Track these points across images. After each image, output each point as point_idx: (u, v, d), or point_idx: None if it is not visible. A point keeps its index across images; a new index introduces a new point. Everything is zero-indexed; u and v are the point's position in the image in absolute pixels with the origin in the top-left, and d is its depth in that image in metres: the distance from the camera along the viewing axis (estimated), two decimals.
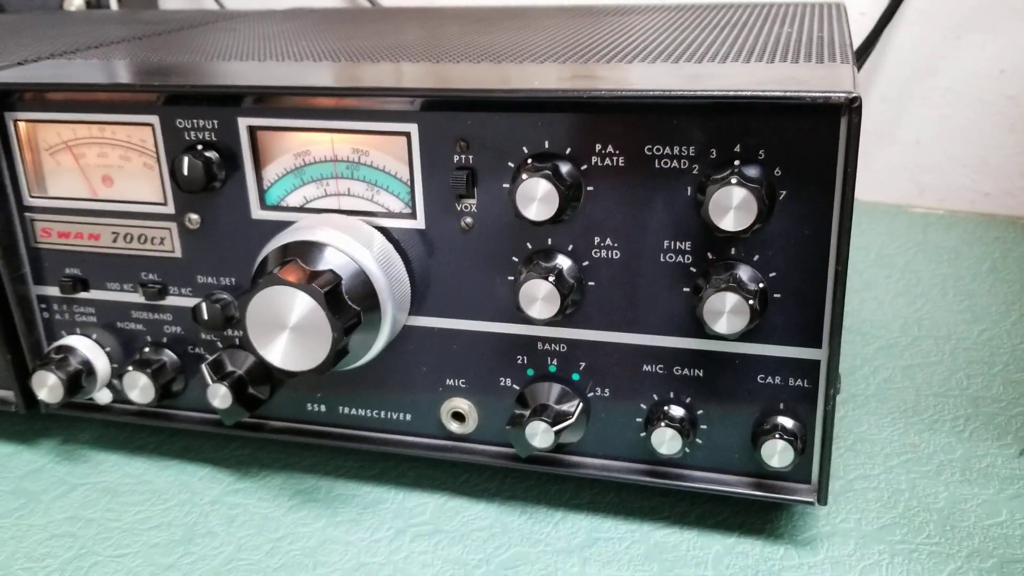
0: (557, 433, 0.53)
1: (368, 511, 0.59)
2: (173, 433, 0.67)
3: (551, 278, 0.50)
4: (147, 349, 0.61)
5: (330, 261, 0.52)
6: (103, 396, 0.63)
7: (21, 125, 0.58)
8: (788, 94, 0.46)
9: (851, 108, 0.45)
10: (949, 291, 0.86)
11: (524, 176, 0.49)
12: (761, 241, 0.49)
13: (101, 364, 0.62)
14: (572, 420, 0.53)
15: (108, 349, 0.62)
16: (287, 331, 0.50)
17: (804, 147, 0.47)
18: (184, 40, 0.76)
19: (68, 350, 0.61)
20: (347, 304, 0.50)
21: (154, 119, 0.56)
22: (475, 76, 0.55)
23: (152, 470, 0.64)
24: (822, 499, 0.52)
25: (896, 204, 1.11)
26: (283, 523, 0.59)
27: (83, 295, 0.61)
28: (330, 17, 0.91)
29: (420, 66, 0.58)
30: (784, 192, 0.48)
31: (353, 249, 0.52)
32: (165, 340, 0.61)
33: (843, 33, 0.63)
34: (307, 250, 0.52)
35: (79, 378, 0.61)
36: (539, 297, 0.50)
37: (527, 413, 0.54)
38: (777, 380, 0.51)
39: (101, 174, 0.59)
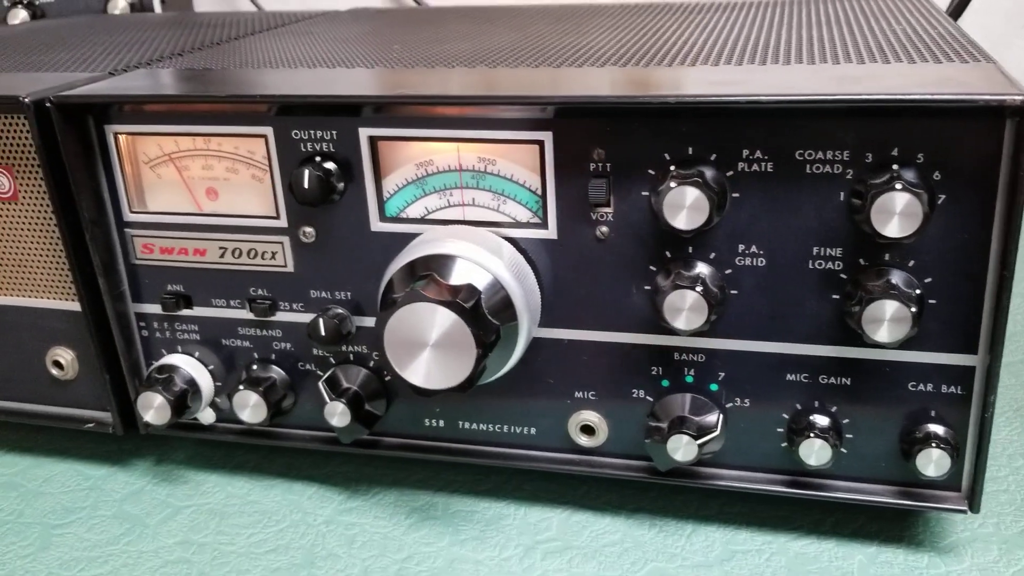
0: (701, 446, 0.51)
1: (491, 528, 0.58)
2: (271, 451, 0.66)
3: (698, 288, 0.48)
4: (255, 367, 0.59)
5: (467, 275, 0.50)
6: (207, 416, 0.61)
7: (122, 138, 0.56)
8: (955, 97, 0.44)
9: (1022, 110, 0.43)
10: None
11: (672, 184, 0.47)
12: (916, 246, 0.48)
13: (205, 383, 0.60)
14: (717, 432, 0.52)
15: (211, 367, 0.60)
16: (428, 349, 0.49)
17: (965, 150, 0.45)
18: (266, 45, 0.73)
19: (172, 369, 0.59)
20: (488, 319, 0.49)
21: (267, 130, 0.54)
22: (609, 82, 0.53)
23: (257, 490, 0.62)
24: (975, 507, 0.51)
25: None
26: (405, 543, 0.57)
27: (186, 312, 0.59)
28: (398, 18, 0.89)
29: (541, 71, 0.56)
30: (943, 196, 0.46)
31: (488, 261, 0.50)
32: (273, 357, 0.59)
33: (958, 28, 0.62)
34: (442, 264, 0.50)
35: (185, 398, 0.59)
36: (685, 308, 0.49)
37: (665, 426, 0.53)
38: (929, 387, 0.50)
39: (205, 187, 0.57)
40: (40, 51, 0.75)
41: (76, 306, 0.60)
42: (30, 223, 0.59)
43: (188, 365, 0.60)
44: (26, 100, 0.54)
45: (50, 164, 0.56)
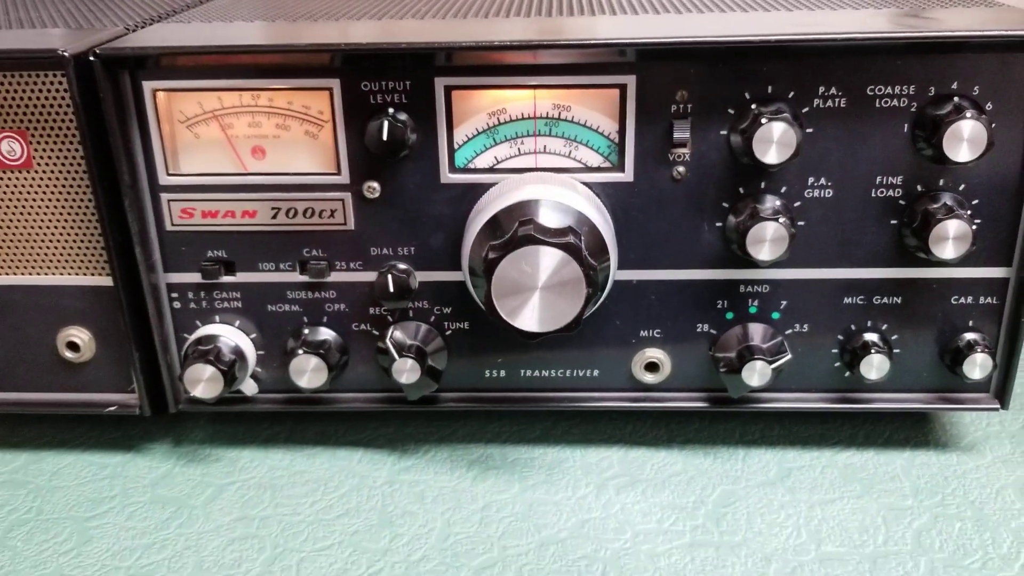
0: (775, 370, 0.55)
1: (556, 471, 0.59)
2: (299, 421, 0.64)
3: (781, 219, 0.52)
4: (306, 331, 0.57)
5: (563, 218, 0.51)
6: (249, 387, 0.59)
7: (160, 95, 0.53)
8: (1007, 34, 0.50)
9: None
10: None
11: (763, 120, 0.50)
12: (965, 172, 0.53)
13: (249, 352, 0.57)
14: (788, 355, 0.55)
15: (252, 336, 0.58)
16: (537, 292, 0.49)
17: (1013, 81, 0.51)
18: None
19: (214, 340, 0.56)
20: (588, 259, 0.50)
21: (334, 83, 0.52)
22: (688, 25, 0.55)
23: (299, 460, 0.60)
24: (1005, 404, 0.57)
25: None
26: (477, 493, 0.57)
27: (227, 279, 0.57)
28: None
29: (607, 18, 0.57)
30: (994, 124, 0.52)
31: (578, 204, 0.51)
32: (325, 319, 0.57)
33: None
34: (536, 209, 0.51)
35: (234, 368, 0.56)
36: (767, 239, 0.52)
37: (734, 356, 0.56)
38: (969, 300, 0.56)
39: (251, 145, 0.54)
40: (24, 7, 0.68)
41: (99, 280, 0.56)
42: (48, 192, 0.54)
43: (230, 334, 0.57)
44: (66, 54, 0.50)
45: (89, 126, 0.51)
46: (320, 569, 0.52)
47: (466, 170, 0.54)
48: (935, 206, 0.52)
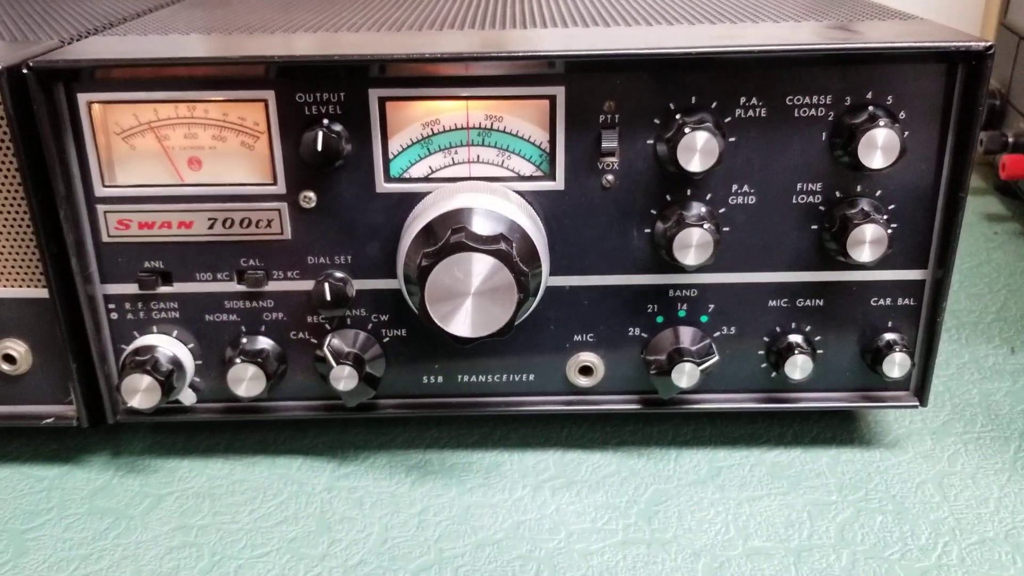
0: (703, 371, 0.57)
1: (493, 474, 0.60)
2: (240, 431, 0.64)
3: (705, 225, 0.53)
4: (244, 340, 0.58)
5: (494, 226, 0.52)
6: (187, 396, 0.59)
7: (96, 107, 0.53)
8: (922, 46, 0.52)
9: (986, 54, 0.51)
10: None
11: (686, 130, 0.52)
12: (881, 178, 0.55)
13: (187, 362, 0.58)
14: (716, 357, 0.57)
15: (190, 346, 0.58)
16: (469, 298, 0.50)
17: (925, 91, 0.53)
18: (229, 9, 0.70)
19: (151, 350, 0.57)
20: (519, 265, 0.51)
21: (269, 94, 0.53)
22: (615, 38, 0.56)
23: (239, 468, 0.61)
24: (924, 401, 0.60)
25: None
26: (415, 498, 0.58)
27: (164, 290, 0.57)
28: None
29: (540, 32, 0.59)
30: (907, 132, 0.54)
31: (510, 212, 0.53)
32: (263, 328, 0.58)
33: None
34: (468, 217, 0.52)
35: (171, 379, 0.56)
36: (693, 244, 0.53)
37: (664, 358, 0.57)
38: (887, 301, 0.58)
39: (187, 157, 0.55)
40: None
41: (35, 292, 0.56)
42: None
43: (168, 344, 0.57)
44: None
45: (23, 138, 0.52)
46: (258, 575, 0.53)
47: (401, 180, 0.55)
48: (852, 211, 0.54)
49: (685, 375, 0.57)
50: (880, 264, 0.56)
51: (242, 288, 0.57)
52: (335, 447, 0.62)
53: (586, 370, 0.59)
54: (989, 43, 0.51)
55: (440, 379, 0.60)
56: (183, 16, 0.69)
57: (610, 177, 0.55)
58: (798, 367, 0.58)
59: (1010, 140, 0.93)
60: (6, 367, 0.58)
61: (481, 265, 0.50)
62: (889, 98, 0.53)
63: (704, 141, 0.52)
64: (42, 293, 0.56)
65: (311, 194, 0.55)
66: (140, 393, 0.56)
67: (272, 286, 0.57)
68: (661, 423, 0.64)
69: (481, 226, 0.51)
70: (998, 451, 0.61)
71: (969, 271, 0.86)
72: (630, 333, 0.59)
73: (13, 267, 0.56)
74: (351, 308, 0.57)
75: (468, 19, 0.64)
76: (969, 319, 0.77)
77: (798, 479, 0.59)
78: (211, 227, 0.56)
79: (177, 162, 0.55)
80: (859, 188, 0.55)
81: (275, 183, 0.55)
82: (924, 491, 0.58)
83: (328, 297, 0.56)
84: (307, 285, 0.57)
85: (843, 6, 0.66)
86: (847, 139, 0.53)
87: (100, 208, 0.55)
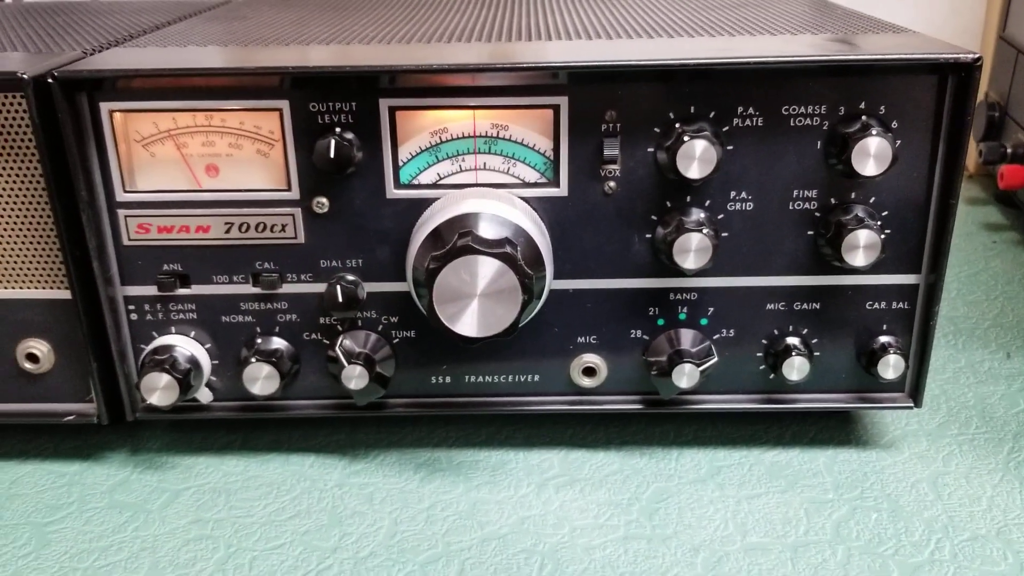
0: (703, 372, 0.58)
1: (499, 472, 0.62)
2: (255, 429, 0.66)
3: (704, 230, 0.55)
4: (259, 340, 0.60)
5: (500, 230, 0.54)
6: (204, 395, 0.61)
7: (117, 116, 0.55)
8: (915, 57, 0.54)
9: (975, 66, 0.53)
10: None
11: (686, 138, 0.53)
12: (876, 185, 0.57)
13: (204, 361, 0.60)
14: (715, 358, 0.59)
15: (207, 346, 0.60)
16: (475, 300, 0.52)
17: (917, 101, 0.55)
18: (244, 20, 0.72)
19: (170, 349, 0.59)
20: (524, 268, 0.53)
21: (283, 104, 0.55)
22: (618, 50, 0.58)
23: (253, 465, 0.63)
24: (918, 402, 0.61)
25: None
26: (423, 494, 0.60)
27: (182, 292, 0.59)
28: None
29: (546, 44, 0.61)
30: (899, 141, 0.56)
31: (515, 218, 0.55)
32: (277, 329, 0.60)
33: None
34: (474, 221, 0.54)
35: (189, 377, 0.58)
36: (692, 249, 0.55)
37: (665, 359, 0.59)
38: (882, 305, 0.60)
39: (205, 163, 0.57)
40: None
41: (58, 294, 0.58)
42: (8, 209, 0.56)
43: (186, 344, 0.59)
44: (25, 76, 0.53)
45: (47, 145, 0.54)
46: (271, 566, 0.54)
47: (410, 186, 0.57)
48: (847, 217, 0.56)
49: (685, 376, 0.58)
50: (874, 269, 0.57)
51: (257, 290, 0.59)
52: (346, 445, 0.64)
53: (589, 371, 0.61)
54: (977, 55, 0.53)
55: (448, 379, 0.62)
56: (200, 29, 0.71)
57: (612, 184, 0.57)
58: (795, 369, 0.59)
59: (1008, 151, 0.94)
60: (29, 366, 0.60)
61: (487, 268, 0.52)
62: (882, 108, 0.55)
63: (703, 149, 0.54)
64: (65, 294, 0.58)
65: (324, 200, 0.57)
66: (159, 391, 0.58)
67: (286, 288, 0.59)
68: (663, 423, 0.66)
69: (487, 230, 0.53)
70: (992, 452, 0.63)
71: (967, 279, 0.88)
72: (632, 335, 0.60)
73: (37, 269, 0.58)
74: (362, 310, 0.59)
75: (475, 32, 0.67)
76: (966, 325, 0.79)
77: (796, 478, 0.61)
78: (227, 231, 0.58)
79: (195, 169, 0.57)
80: (853, 195, 0.57)
81: (289, 189, 0.57)
82: (919, 490, 0.59)
83: (340, 299, 0.58)
84: (320, 288, 0.59)
85: (838, 20, 0.68)
86: (841, 147, 0.55)
87: (121, 213, 0.57)
